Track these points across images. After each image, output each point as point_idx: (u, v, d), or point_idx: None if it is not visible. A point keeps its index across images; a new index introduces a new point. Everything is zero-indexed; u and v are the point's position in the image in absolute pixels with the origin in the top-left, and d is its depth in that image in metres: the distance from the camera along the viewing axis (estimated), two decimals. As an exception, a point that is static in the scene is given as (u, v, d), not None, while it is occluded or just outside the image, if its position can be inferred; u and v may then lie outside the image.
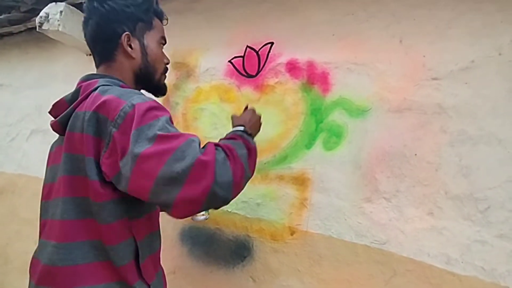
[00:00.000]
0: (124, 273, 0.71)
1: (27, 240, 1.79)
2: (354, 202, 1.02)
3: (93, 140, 0.68)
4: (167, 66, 0.93)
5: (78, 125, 0.71)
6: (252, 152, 0.79)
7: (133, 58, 0.84)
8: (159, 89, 0.91)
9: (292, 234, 1.10)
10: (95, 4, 0.81)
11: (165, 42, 0.92)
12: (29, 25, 1.84)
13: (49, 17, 1.47)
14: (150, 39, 0.86)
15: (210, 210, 1.09)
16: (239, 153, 0.73)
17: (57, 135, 0.86)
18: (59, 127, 0.77)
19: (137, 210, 0.75)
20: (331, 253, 1.03)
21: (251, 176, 0.79)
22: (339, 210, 1.04)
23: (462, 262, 0.87)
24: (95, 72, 0.86)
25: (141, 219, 0.77)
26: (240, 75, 1.30)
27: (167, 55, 0.92)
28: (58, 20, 1.47)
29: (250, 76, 1.28)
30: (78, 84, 0.80)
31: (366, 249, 0.98)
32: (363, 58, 1.09)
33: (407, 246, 0.94)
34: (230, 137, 0.82)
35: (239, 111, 1.29)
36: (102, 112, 0.68)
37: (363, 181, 1.02)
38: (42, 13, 1.49)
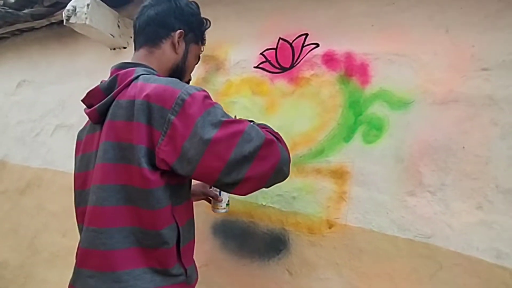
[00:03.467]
0: (165, 256, 0.72)
1: (54, 232, 1.78)
2: (396, 196, 0.98)
3: (145, 128, 0.67)
4: (190, 81, 0.96)
5: (122, 113, 0.70)
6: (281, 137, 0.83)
7: (176, 54, 0.87)
8: None
9: (330, 228, 1.06)
10: None
11: (198, 61, 0.98)
12: (53, 19, 1.79)
13: (76, 10, 1.43)
14: (193, 50, 0.92)
15: (230, 203, 1.08)
16: (280, 135, 0.80)
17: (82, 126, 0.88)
18: (97, 115, 0.76)
19: (180, 196, 0.76)
20: (371, 247, 1.00)
21: None
22: (380, 203, 1.00)
23: (514, 257, 0.83)
24: (130, 61, 0.84)
25: (182, 205, 0.77)
26: (273, 67, 1.26)
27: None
28: (85, 13, 1.43)
29: (283, 68, 1.24)
30: (112, 73, 0.79)
31: (410, 243, 0.95)
32: (405, 49, 1.04)
33: (454, 240, 0.90)
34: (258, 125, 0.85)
35: (272, 104, 1.26)
36: (155, 101, 0.67)
37: (405, 174, 0.98)
38: (69, 6, 1.44)
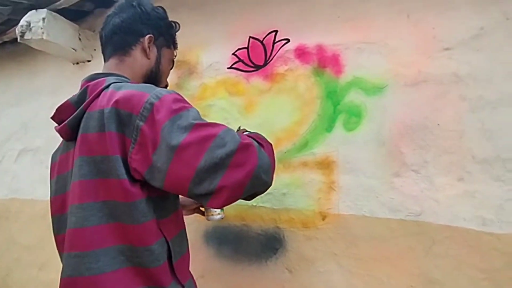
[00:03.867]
0: (158, 275, 0.66)
1: (28, 268, 1.63)
2: (383, 179, 1.00)
3: (117, 137, 0.62)
4: (167, 87, 0.92)
5: (93, 125, 0.65)
6: (271, 145, 0.79)
7: (148, 59, 0.83)
8: None
9: (323, 219, 1.06)
10: (134, 3, 0.81)
11: (173, 66, 0.94)
12: (5, 37, 1.66)
13: (31, 25, 1.33)
14: (166, 54, 0.88)
15: (225, 208, 1.03)
16: (265, 140, 0.77)
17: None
18: (68, 131, 0.71)
19: (165, 209, 0.71)
20: (366, 232, 1.00)
21: None
22: (369, 188, 1.01)
23: (497, 222, 0.87)
24: (101, 71, 0.79)
25: (169, 218, 0.72)
26: (247, 66, 1.24)
27: None
28: (41, 28, 1.33)
29: (257, 66, 1.23)
30: (83, 85, 0.74)
31: (402, 223, 0.96)
32: (372, 37, 1.07)
33: (442, 214, 0.93)
34: (246, 132, 0.85)
35: (250, 103, 1.25)
36: (123, 107, 0.62)
37: (389, 157, 1.00)
38: (23, 22, 1.34)
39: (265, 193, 1.13)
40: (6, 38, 1.66)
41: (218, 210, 1.00)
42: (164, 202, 0.71)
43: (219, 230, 1.20)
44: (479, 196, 0.90)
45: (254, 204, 1.16)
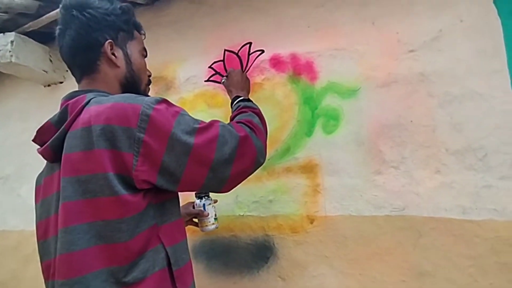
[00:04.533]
0: (155, 285, 0.62)
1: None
2: (365, 177, 1.02)
3: (109, 154, 0.60)
4: (150, 78, 0.86)
5: (77, 144, 0.62)
6: (260, 115, 0.90)
7: (118, 67, 0.76)
8: None
9: (312, 223, 1.05)
10: (74, 12, 0.72)
11: (146, 54, 0.86)
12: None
13: (-1, 49, 1.27)
14: (133, 49, 0.80)
15: (219, 218, 1.02)
16: (255, 121, 0.83)
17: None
18: (51, 152, 0.67)
19: (167, 214, 0.69)
20: (354, 231, 1.00)
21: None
22: (353, 188, 1.02)
23: (476, 209, 0.90)
24: (78, 89, 0.75)
25: (171, 223, 0.69)
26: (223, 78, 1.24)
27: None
28: (9, 51, 1.28)
29: (235, 78, 1.23)
30: (62, 104, 0.71)
31: (388, 219, 0.97)
32: (342, 44, 1.11)
33: (424, 207, 0.94)
34: (239, 111, 0.90)
35: (230, 115, 1.24)
36: (117, 123, 0.60)
37: (369, 155, 1.02)
38: (-12, 46, 1.28)
39: (252, 201, 1.13)
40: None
41: (212, 220, 0.98)
42: (166, 208, 0.69)
43: (207, 243, 1.16)
44: (456, 186, 0.93)
45: (242, 214, 1.13)
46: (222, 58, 1.26)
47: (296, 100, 1.14)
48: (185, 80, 1.30)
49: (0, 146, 1.63)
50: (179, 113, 0.67)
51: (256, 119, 0.85)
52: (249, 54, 1.23)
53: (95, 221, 0.60)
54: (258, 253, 1.09)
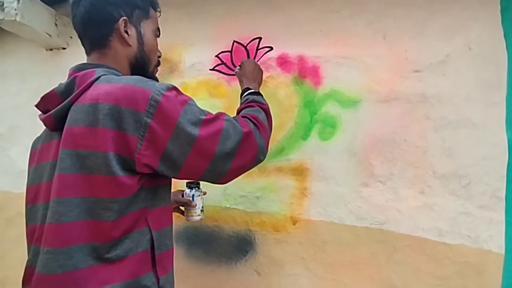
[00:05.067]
0: (134, 264, 0.63)
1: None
2: (352, 188, 1.03)
3: (114, 134, 0.60)
4: (160, 59, 0.85)
5: (81, 118, 0.62)
6: (267, 112, 0.89)
7: (129, 46, 0.75)
8: None
9: (294, 224, 1.07)
10: None
11: (159, 34, 0.84)
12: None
13: (4, 5, 1.23)
14: (147, 28, 0.78)
15: (205, 209, 1.03)
16: (261, 117, 0.82)
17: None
18: (53, 122, 0.67)
19: (157, 199, 0.70)
20: (334, 238, 1.03)
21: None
22: (339, 196, 1.04)
23: (451, 233, 0.93)
24: (86, 62, 0.75)
25: (160, 208, 0.70)
26: (229, 70, 1.23)
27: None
28: (15, 9, 1.23)
29: (240, 70, 1.22)
30: (70, 75, 0.70)
31: (367, 231, 1.00)
32: (350, 53, 1.10)
33: (404, 224, 0.97)
34: (247, 104, 0.89)
35: (230, 106, 1.24)
36: (126, 105, 0.60)
37: (359, 167, 1.04)
38: (-6, 1, 1.24)
39: (239, 195, 1.15)
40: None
41: (199, 211, 0.99)
42: (158, 193, 0.70)
43: (190, 230, 1.18)
44: (437, 208, 0.96)
45: (228, 206, 1.14)
46: (230, 49, 1.25)
47: (297, 102, 1.14)
48: (190, 65, 1.29)
49: (-6, 104, 1.60)
50: (187, 102, 0.66)
51: (262, 115, 0.84)
52: (257, 49, 1.22)
53: (88, 196, 0.61)
54: (239, 246, 1.11)
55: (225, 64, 1.25)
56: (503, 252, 0.88)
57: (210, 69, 1.26)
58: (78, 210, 0.60)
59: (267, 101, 0.90)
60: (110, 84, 0.63)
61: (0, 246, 1.44)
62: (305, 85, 1.14)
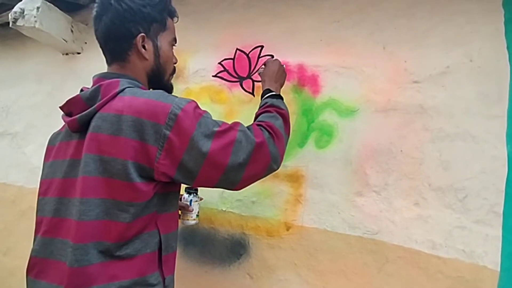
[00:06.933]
0: (143, 263, 0.68)
1: None
2: (346, 196, 1.02)
3: (135, 144, 0.64)
4: (175, 66, 0.89)
5: (107, 127, 0.66)
6: (285, 117, 0.88)
7: (146, 60, 0.79)
8: (167, 89, 0.86)
9: (287, 230, 1.07)
10: (112, 1, 0.74)
11: (176, 42, 0.88)
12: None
13: (25, 13, 1.30)
14: (163, 40, 0.82)
15: (200, 213, 1.05)
16: (277, 125, 0.82)
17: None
18: (77, 125, 0.71)
19: (167, 205, 0.74)
20: (326, 245, 1.02)
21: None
22: (333, 204, 1.03)
23: (445, 247, 0.90)
24: (111, 71, 0.79)
25: (169, 214, 0.75)
26: (230, 77, 1.25)
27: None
28: (34, 17, 1.30)
29: (241, 78, 1.24)
30: (95, 82, 0.75)
31: (359, 240, 0.99)
32: (350, 63, 1.10)
33: (397, 235, 0.95)
34: (264, 109, 0.89)
35: (231, 112, 1.25)
36: (148, 118, 0.65)
37: (354, 176, 1.03)
38: (16, 8, 1.31)
39: (236, 199, 1.16)
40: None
41: (194, 216, 1.01)
42: (168, 199, 0.75)
43: (187, 231, 1.19)
44: (431, 221, 0.93)
45: (224, 209, 1.15)
46: (232, 56, 1.27)
47: (295, 110, 1.14)
48: (194, 71, 1.31)
49: (13, 103, 1.68)
50: (202, 115, 0.70)
51: (278, 122, 0.84)
52: (259, 57, 1.23)
53: (107, 198, 0.65)
54: (233, 249, 1.12)
55: (227, 71, 1.27)
56: (498, 269, 0.84)
57: (213, 76, 1.28)
58: (97, 210, 0.65)
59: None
60: (135, 97, 0.68)
61: (11, 238, 1.50)
62: (304, 93, 1.14)
